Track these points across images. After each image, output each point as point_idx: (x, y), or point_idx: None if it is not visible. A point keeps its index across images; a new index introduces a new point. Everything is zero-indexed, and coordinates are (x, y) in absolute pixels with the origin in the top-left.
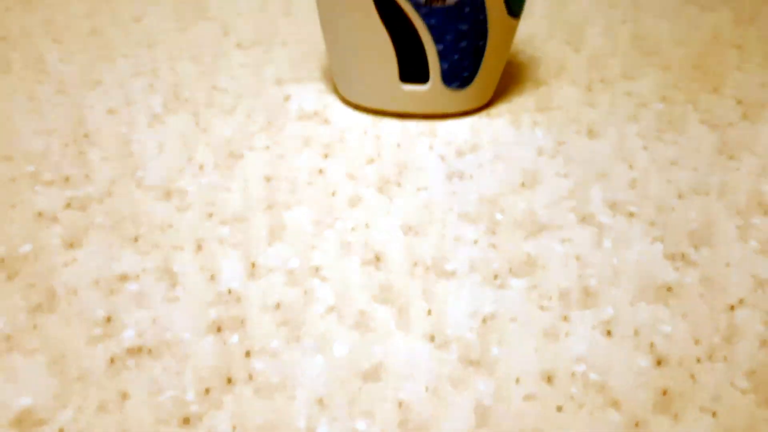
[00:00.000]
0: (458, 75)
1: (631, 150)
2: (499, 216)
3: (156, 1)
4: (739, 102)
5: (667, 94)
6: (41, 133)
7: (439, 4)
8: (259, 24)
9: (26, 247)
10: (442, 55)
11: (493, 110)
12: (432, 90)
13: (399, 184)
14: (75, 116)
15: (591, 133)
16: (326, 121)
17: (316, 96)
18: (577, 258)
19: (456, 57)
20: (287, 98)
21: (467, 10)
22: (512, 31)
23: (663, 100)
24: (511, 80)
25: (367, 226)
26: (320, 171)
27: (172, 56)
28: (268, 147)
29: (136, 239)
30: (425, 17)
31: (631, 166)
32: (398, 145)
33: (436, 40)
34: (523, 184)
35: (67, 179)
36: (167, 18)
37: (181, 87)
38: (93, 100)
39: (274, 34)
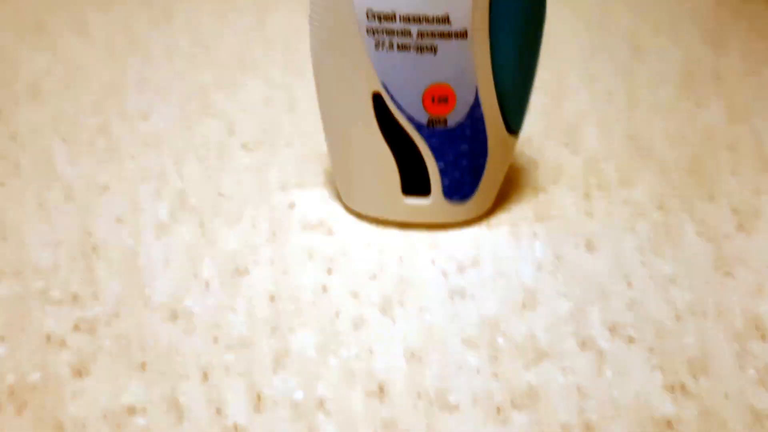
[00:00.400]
0: (459, 190)
1: (629, 266)
2: (500, 340)
3: (163, 96)
4: (735, 211)
5: (664, 201)
6: (50, 245)
7: (440, 126)
8: (264, 121)
9: (35, 376)
10: (443, 172)
11: (494, 219)
12: (433, 203)
13: (402, 304)
14: (83, 226)
15: (589, 246)
16: (330, 232)
17: (320, 203)
18: (578, 389)
19: (457, 173)
20: (292, 205)
21: (468, 131)
22: (512, 147)
23: (660, 209)
24: (510, 186)
25: (370, 352)
26: (324, 288)
27: (179, 158)
28: (272, 261)
29: (143, 366)
30: (427, 137)
31: (629, 285)
32: (400, 259)
33: (438, 158)
34: (523, 305)
35: (75, 298)
36: (173, 114)
37: (188, 193)
38: (101, 207)
39: (278, 133)
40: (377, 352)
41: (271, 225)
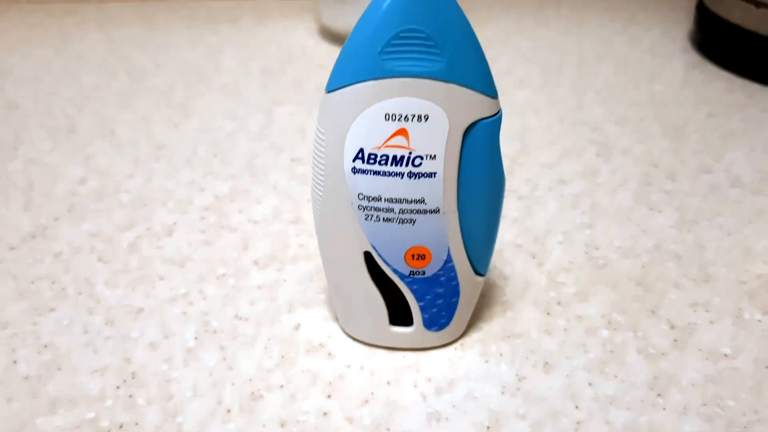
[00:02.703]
0: (436, 322)
1: (577, 387)
2: None
3: (185, 212)
4: (672, 327)
5: (613, 318)
6: (96, 372)
7: (419, 276)
8: (272, 233)
9: None
10: (423, 309)
11: (467, 340)
12: (415, 332)
13: (388, 429)
14: (122, 352)
15: (546, 367)
16: (330, 355)
17: (321, 324)
18: None
19: (434, 310)
20: (297, 327)
21: (442, 278)
22: (479, 286)
23: (608, 326)
24: (483, 303)
25: None
26: (325, 414)
27: (201, 277)
28: (282, 386)
29: None
30: (409, 284)
31: (577, 406)
32: (388, 383)
33: (418, 299)
34: (488, 427)
35: (120, 427)
36: (194, 229)
37: (210, 315)
38: (136, 331)
39: (285, 247)
40: None
41: (280, 348)
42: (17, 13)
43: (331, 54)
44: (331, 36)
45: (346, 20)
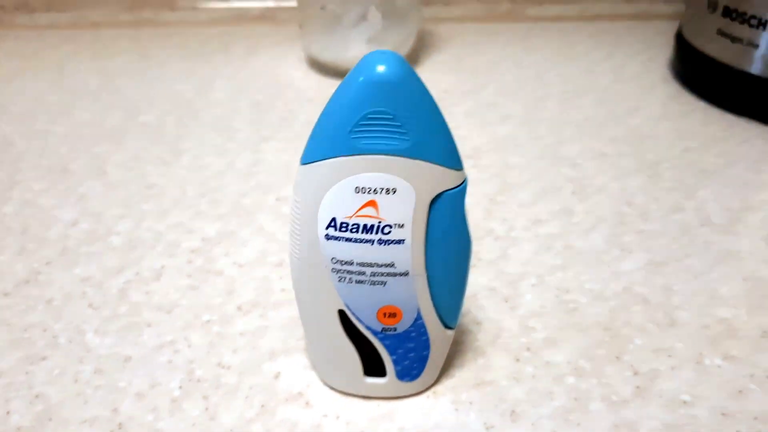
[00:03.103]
0: (409, 373)
1: None
2: None
3: (172, 255)
4: (635, 373)
5: (579, 364)
6: (86, 423)
7: (391, 332)
8: (257, 277)
9: None
10: (395, 362)
11: (440, 387)
12: (389, 383)
13: None
14: (111, 401)
15: (513, 415)
16: (308, 404)
17: (301, 372)
18: None
19: (406, 362)
20: (277, 376)
21: (413, 334)
22: (450, 338)
23: (574, 372)
24: (456, 349)
25: None
26: None
27: (188, 324)
28: None
29: None
30: (381, 339)
31: None
32: None
33: (390, 353)
34: None
35: None
36: (182, 274)
37: (195, 363)
38: (124, 381)
39: (268, 292)
40: None
41: (261, 397)
42: (14, 41)
43: (318, 86)
44: (319, 67)
45: (332, 52)
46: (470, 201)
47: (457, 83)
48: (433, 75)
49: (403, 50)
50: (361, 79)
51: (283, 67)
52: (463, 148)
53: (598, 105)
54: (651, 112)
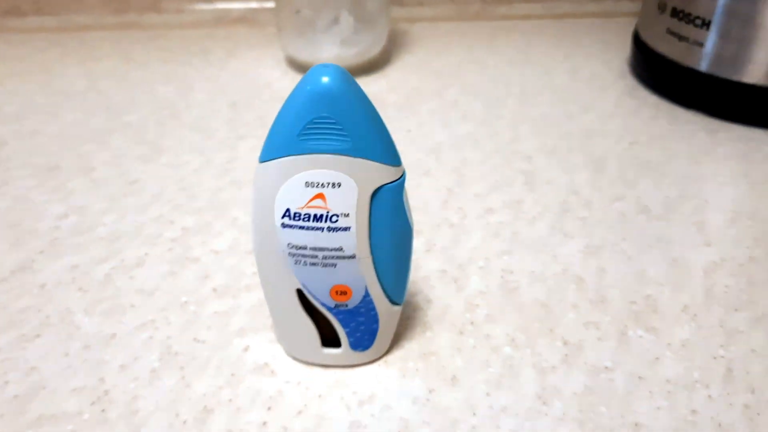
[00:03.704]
0: (361, 344)
1: (477, 397)
2: None
3: (154, 244)
4: (565, 344)
5: (515, 336)
6: (75, 391)
7: (343, 308)
8: (230, 264)
9: None
10: (348, 334)
11: (390, 357)
12: (344, 353)
13: None
14: (97, 373)
15: (453, 380)
16: (272, 373)
17: (266, 347)
18: None
19: (358, 334)
20: (246, 349)
21: (363, 309)
22: (397, 313)
23: (511, 344)
24: (407, 324)
25: None
26: (264, 423)
27: (167, 305)
28: (230, 400)
29: None
30: (335, 314)
31: (474, 414)
32: (319, 396)
33: (344, 326)
34: None
35: None
36: (163, 261)
37: (172, 339)
38: (109, 355)
39: (240, 276)
40: None
41: (230, 368)
42: (4, 45)
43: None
44: (296, 66)
45: (308, 53)
46: (429, 192)
47: (424, 83)
48: (403, 75)
49: (375, 51)
50: (308, 88)
51: (261, 68)
52: (425, 143)
53: (554, 103)
54: (604, 109)
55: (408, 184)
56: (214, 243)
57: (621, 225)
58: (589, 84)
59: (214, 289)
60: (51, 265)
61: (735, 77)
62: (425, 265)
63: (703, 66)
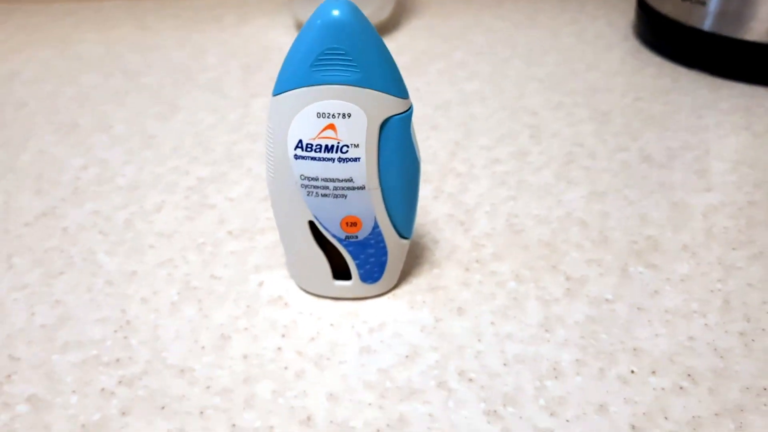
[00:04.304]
0: (370, 276)
1: (483, 326)
2: (388, 383)
3: (171, 193)
4: (568, 278)
5: (520, 273)
6: (98, 322)
7: (353, 239)
8: (245, 209)
9: (96, 416)
10: (358, 266)
11: (398, 291)
12: (354, 285)
13: (328, 359)
14: (119, 305)
15: (460, 311)
16: (286, 305)
17: (280, 282)
18: (430, 415)
19: (368, 266)
20: (261, 284)
21: (372, 241)
22: (405, 247)
23: (515, 279)
24: (414, 262)
25: (305, 393)
26: (279, 349)
27: (184, 246)
28: (246, 329)
29: (163, 407)
30: (345, 246)
31: (479, 340)
32: (331, 325)
33: (354, 257)
34: (407, 357)
35: (118, 360)
36: (179, 207)
37: (191, 276)
38: (131, 290)
39: (255, 221)
40: (309, 393)
41: (246, 301)
42: (21, 15)
43: None
44: None
45: None
46: (437, 145)
47: (432, 46)
48: (410, 38)
49: (383, 15)
50: (318, 21)
51: (273, 33)
52: (433, 101)
53: (560, 63)
54: (609, 68)
55: (416, 137)
56: (229, 191)
57: (624, 173)
58: (594, 45)
59: (230, 232)
60: (73, 211)
61: (738, 35)
62: (433, 210)
63: (706, 25)
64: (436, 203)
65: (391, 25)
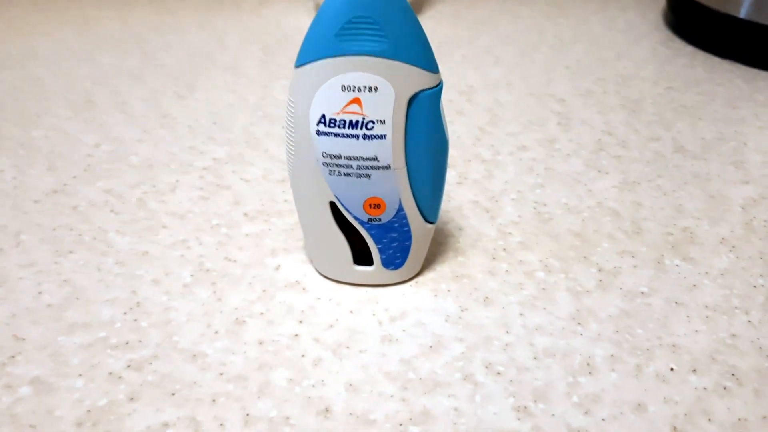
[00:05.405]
0: (393, 262)
1: (511, 316)
2: (411, 375)
3: (186, 172)
4: (600, 270)
5: (549, 262)
6: (107, 303)
7: (376, 222)
8: (261, 191)
9: (103, 401)
10: (381, 251)
11: (421, 279)
12: (376, 271)
13: (348, 347)
14: (130, 286)
15: (486, 301)
16: (304, 290)
17: (298, 266)
18: (456, 409)
19: (390, 251)
20: (278, 268)
21: (396, 225)
22: (430, 232)
23: (545, 269)
24: (438, 250)
25: (323, 383)
26: (296, 335)
27: (198, 227)
28: (262, 313)
29: (173, 394)
30: (368, 229)
31: (507, 332)
32: (351, 312)
33: (376, 242)
34: (430, 347)
35: (127, 343)
36: (194, 187)
37: (205, 258)
38: (142, 270)
39: (272, 203)
40: (327, 383)
41: (262, 284)
42: None
43: None
44: None
45: None
46: (461, 130)
47: (457, 31)
48: (436, 24)
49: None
50: None
51: (292, 16)
52: (458, 86)
53: (589, 51)
54: (640, 56)
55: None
56: (245, 172)
57: (657, 163)
58: (624, 34)
59: (246, 214)
60: (84, 189)
61: None
62: (457, 196)
63: (743, 12)
64: (461, 189)
65: (416, 10)
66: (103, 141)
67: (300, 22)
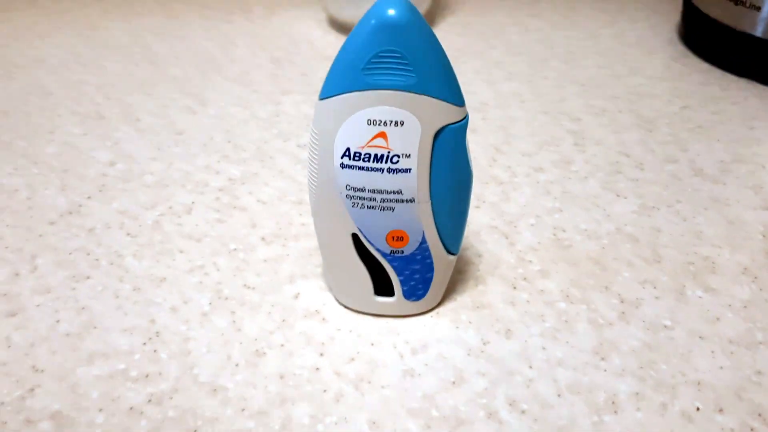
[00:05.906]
0: (414, 293)
1: (533, 350)
2: (433, 411)
3: (201, 193)
4: (621, 300)
5: (570, 292)
6: (126, 331)
7: (398, 254)
8: (278, 213)
9: None
10: (402, 282)
11: (442, 309)
12: (397, 302)
13: (369, 381)
14: (148, 314)
15: (508, 333)
16: (324, 320)
17: (318, 294)
18: None
19: (412, 283)
20: (296, 296)
21: (418, 257)
22: (452, 264)
23: (565, 299)
24: (458, 278)
25: (345, 420)
26: (317, 369)
27: (215, 251)
28: (282, 345)
29: (195, 431)
30: (390, 261)
31: (530, 366)
32: (372, 344)
33: (398, 273)
34: (453, 382)
35: (147, 376)
36: (210, 209)
37: (223, 284)
38: (160, 297)
39: (289, 226)
40: (350, 420)
41: (281, 313)
42: (46, 1)
43: (337, 45)
44: (338, 26)
45: (351, 11)
46: (476, 149)
47: (468, 44)
48: (446, 35)
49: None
50: (373, 21)
51: (302, 26)
52: (471, 102)
53: (601, 66)
54: (653, 73)
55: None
56: (260, 193)
57: (674, 186)
58: (636, 49)
59: (263, 238)
60: (99, 210)
61: None
62: (475, 220)
63: (759, 31)
64: (478, 213)
65: (428, 21)
66: (117, 159)
67: (310, 33)
